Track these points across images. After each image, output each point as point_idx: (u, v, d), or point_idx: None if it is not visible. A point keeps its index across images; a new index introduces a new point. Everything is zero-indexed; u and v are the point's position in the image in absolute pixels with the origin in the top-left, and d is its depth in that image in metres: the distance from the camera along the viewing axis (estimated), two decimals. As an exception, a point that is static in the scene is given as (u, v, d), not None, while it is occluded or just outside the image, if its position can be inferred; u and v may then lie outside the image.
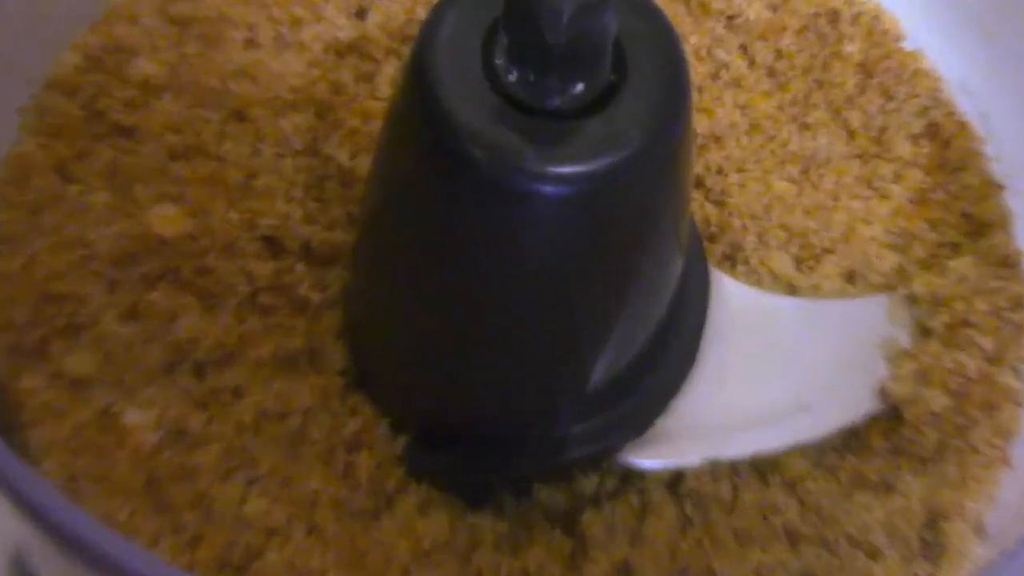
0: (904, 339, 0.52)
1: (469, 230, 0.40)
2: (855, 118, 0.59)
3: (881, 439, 0.50)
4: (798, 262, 0.54)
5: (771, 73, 0.60)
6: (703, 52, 0.59)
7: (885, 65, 0.60)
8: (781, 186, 0.56)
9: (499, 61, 0.39)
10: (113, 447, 0.46)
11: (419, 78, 0.40)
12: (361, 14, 0.58)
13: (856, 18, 0.61)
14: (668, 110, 0.40)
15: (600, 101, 0.39)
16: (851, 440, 0.50)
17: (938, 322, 0.52)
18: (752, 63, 0.60)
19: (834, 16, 0.61)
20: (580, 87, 0.39)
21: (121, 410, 0.47)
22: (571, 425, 0.47)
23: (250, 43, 0.55)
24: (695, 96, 0.55)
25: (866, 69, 0.61)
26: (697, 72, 0.59)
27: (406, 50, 0.54)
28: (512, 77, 0.39)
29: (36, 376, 0.47)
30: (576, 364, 0.45)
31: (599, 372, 0.45)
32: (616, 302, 0.43)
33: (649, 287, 0.44)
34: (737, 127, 0.57)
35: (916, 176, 0.57)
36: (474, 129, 0.38)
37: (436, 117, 0.39)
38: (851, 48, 0.60)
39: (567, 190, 0.38)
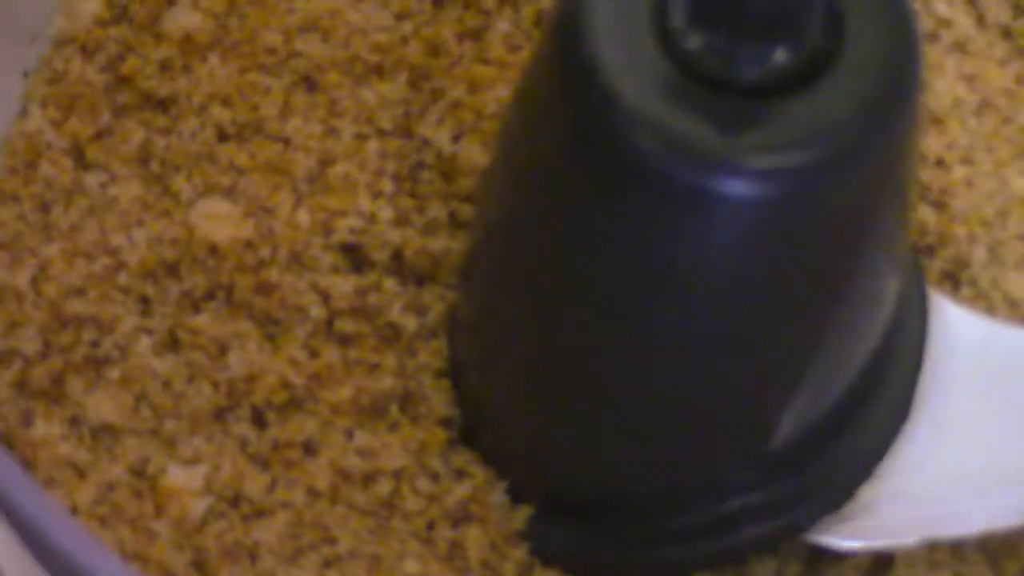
0: None
1: (628, 241, 0.41)
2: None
3: None
4: (1043, 284, 0.52)
5: (1006, 34, 0.59)
6: (915, 3, 0.59)
7: None
8: (1021, 184, 0.56)
9: (675, 22, 0.39)
10: (150, 515, 0.47)
11: (567, 40, 0.40)
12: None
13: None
14: (895, 89, 0.41)
15: (808, 74, 0.40)
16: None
17: None
18: (981, 21, 0.59)
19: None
20: (781, 55, 0.39)
21: (160, 468, 0.48)
22: (744, 495, 0.47)
23: (322, -12, 0.56)
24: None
25: None
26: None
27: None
28: (692, 41, 0.40)
29: (50, 423, 0.48)
30: (756, 417, 0.46)
31: (785, 427, 0.45)
32: (814, 337, 0.44)
33: (856, 318, 0.45)
34: (962, 105, 0.57)
35: None
36: (641, 108, 0.39)
37: (589, 92, 0.40)
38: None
39: (763, 189, 0.39)
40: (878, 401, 0.49)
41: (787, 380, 0.44)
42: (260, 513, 0.48)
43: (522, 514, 0.48)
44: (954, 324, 0.51)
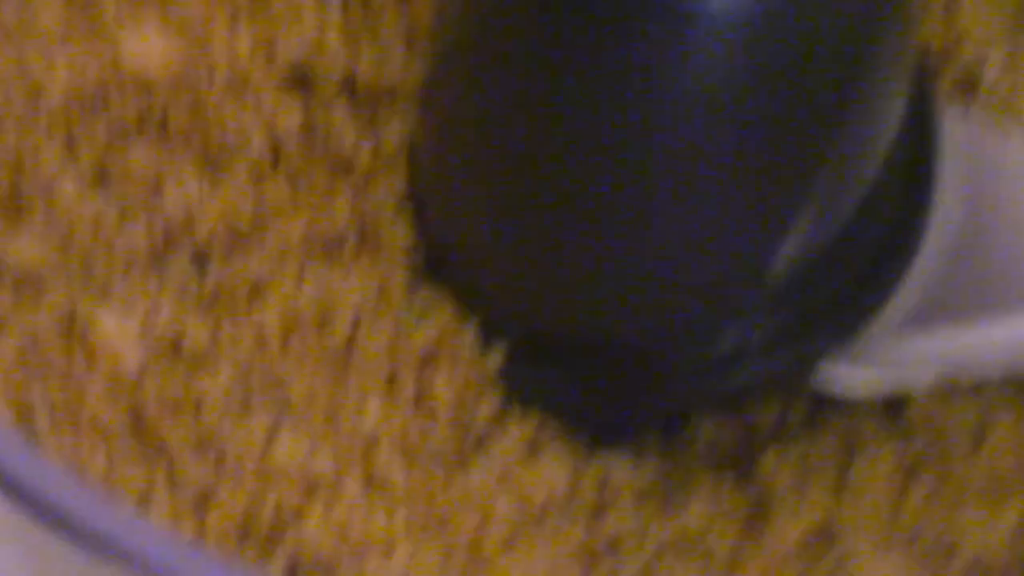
0: None
1: (610, 49, 0.39)
2: None
3: None
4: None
5: None
6: None
7: None
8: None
9: None
10: (81, 370, 0.45)
11: None
12: None
13: None
14: None
15: None
16: None
17: None
18: None
19: None
20: None
21: (91, 315, 0.45)
22: (744, 330, 0.45)
23: None
24: None
25: None
26: None
27: None
28: None
29: (-35, 271, 0.45)
30: (755, 240, 0.44)
31: (788, 250, 0.44)
32: (817, 146, 0.42)
33: (861, 130, 0.43)
34: None
35: None
36: None
37: None
38: None
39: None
40: (888, 223, 0.47)
41: (789, 197, 0.43)
42: (204, 363, 0.45)
43: (496, 355, 0.46)
44: (970, 139, 0.49)
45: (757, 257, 0.44)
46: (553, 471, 0.45)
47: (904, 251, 0.47)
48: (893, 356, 0.46)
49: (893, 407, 0.48)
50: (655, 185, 0.42)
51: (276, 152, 0.48)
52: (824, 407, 0.48)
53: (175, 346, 0.45)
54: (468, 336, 0.47)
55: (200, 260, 0.47)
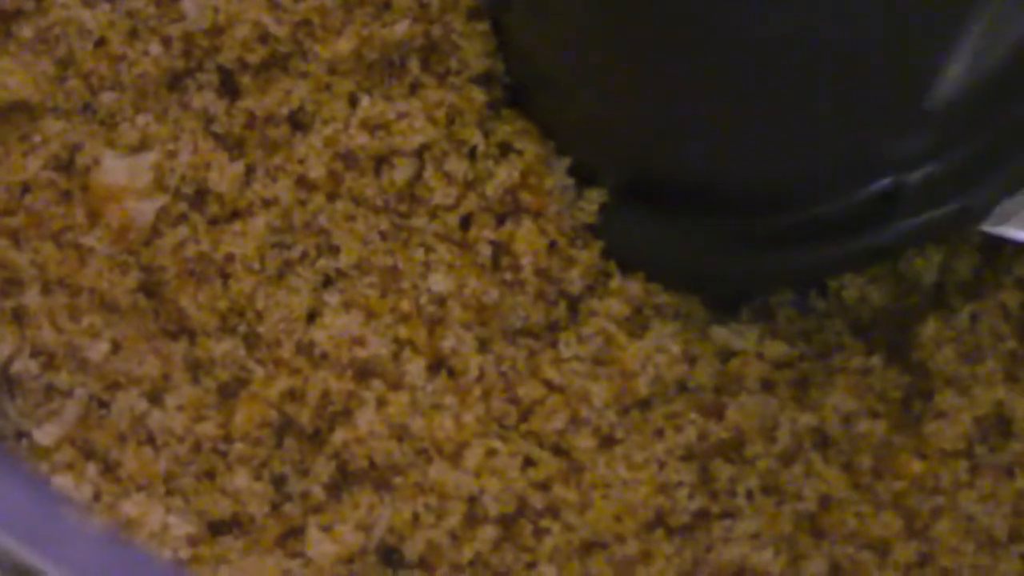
0: None
1: None
2: None
3: None
4: None
5: None
6: None
7: None
8: None
9: None
10: (82, 225, 0.42)
11: None
12: None
13: None
14: None
15: None
16: None
17: None
18: None
19: None
20: None
21: (94, 159, 0.42)
22: (900, 173, 0.42)
23: None
24: None
25: None
26: None
27: None
28: None
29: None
30: (915, 62, 0.40)
31: (952, 76, 0.40)
32: None
33: None
34: None
35: None
36: None
37: None
38: None
39: None
40: None
41: (953, 10, 0.39)
42: (234, 215, 0.42)
43: (593, 200, 0.43)
44: None
45: (918, 75, 0.40)
46: (661, 349, 0.42)
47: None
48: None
49: None
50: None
51: (321, -55, 0.45)
52: (997, 263, 0.44)
53: (198, 194, 0.43)
54: (558, 179, 0.43)
55: (228, 84, 0.43)
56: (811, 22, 0.39)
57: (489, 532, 0.39)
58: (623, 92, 0.42)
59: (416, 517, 0.39)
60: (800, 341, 0.43)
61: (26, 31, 0.42)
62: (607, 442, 0.40)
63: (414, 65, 0.43)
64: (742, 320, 0.44)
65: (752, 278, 0.44)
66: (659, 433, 0.40)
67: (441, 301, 0.41)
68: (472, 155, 0.43)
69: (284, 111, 0.42)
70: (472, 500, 0.39)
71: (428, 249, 0.41)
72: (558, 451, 0.40)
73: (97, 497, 0.38)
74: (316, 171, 0.42)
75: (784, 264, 0.43)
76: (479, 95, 0.43)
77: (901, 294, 0.44)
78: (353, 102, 0.42)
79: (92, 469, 0.39)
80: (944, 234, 0.43)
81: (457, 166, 0.42)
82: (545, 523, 0.39)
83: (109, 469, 0.39)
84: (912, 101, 0.41)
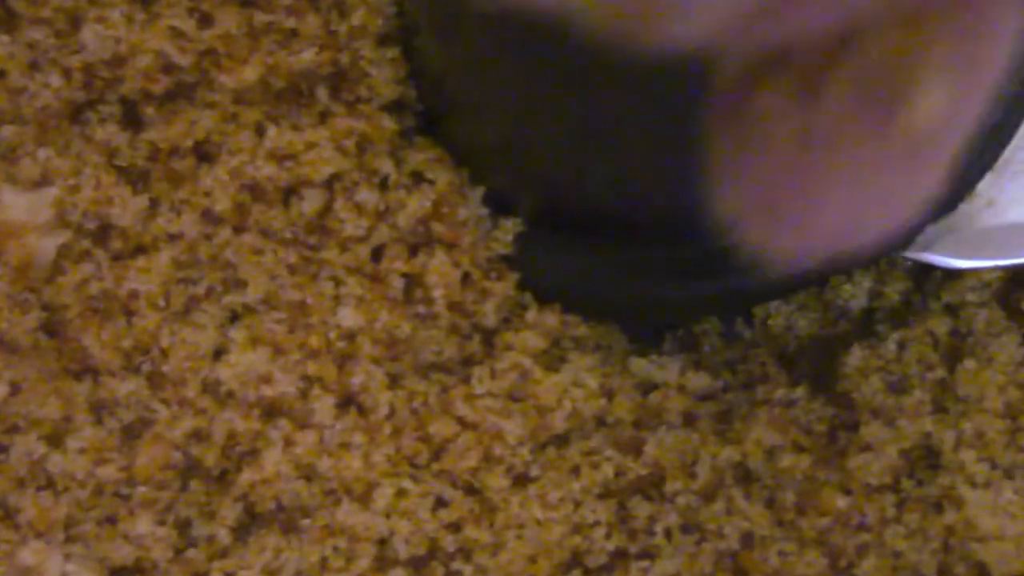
0: None
1: None
2: None
3: None
4: None
5: None
6: None
7: None
8: None
9: None
10: None
11: None
12: None
13: None
14: None
15: None
16: None
17: None
18: None
19: None
20: None
21: None
22: None
23: None
24: None
25: None
26: None
27: None
28: None
29: None
30: None
31: None
32: None
33: None
34: None
35: None
36: None
37: None
38: None
39: None
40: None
41: None
42: (138, 250, 0.41)
43: (508, 230, 0.42)
44: None
45: None
46: (578, 383, 0.41)
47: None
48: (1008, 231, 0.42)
49: (1010, 288, 0.43)
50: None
51: (226, -30, 0.44)
52: (926, 287, 0.43)
53: (101, 229, 0.42)
54: (472, 208, 0.42)
55: (132, 116, 0.42)
56: None
57: (399, 575, 0.39)
58: (526, 117, 0.41)
59: (324, 561, 0.38)
60: (725, 371, 0.43)
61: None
62: (521, 480, 0.39)
63: (323, 93, 0.42)
64: (665, 351, 0.43)
65: (673, 307, 0.43)
66: (575, 470, 0.39)
67: (351, 336, 0.40)
68: (383, 185, 0.42)
69: (189, 142, 0.42)
70: (382, 542, 0.39)
71: (338, 282, 0.41)
72: (471, 490, 0.39)
73: (-6, 545, 0.38)
74: (222, 204, 0.41)
75: (703, 293, 0.43)
76: (390, 123, 0.42)
77: (829, 322, 0.44)
78: (260, 132, 0.42)
79: (-11, 516, 0.38)
80: (867, 261, 0.42)
81: (368, 196, 0.41)
82: (457, 565, 0.39)
83: (7, 516, 0.38)
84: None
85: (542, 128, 0.41)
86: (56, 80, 0.42)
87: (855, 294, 0.43)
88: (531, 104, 0.41)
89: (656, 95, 0.40)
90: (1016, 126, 0.43)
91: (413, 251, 0.41)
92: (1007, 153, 0.42)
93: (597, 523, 0.39)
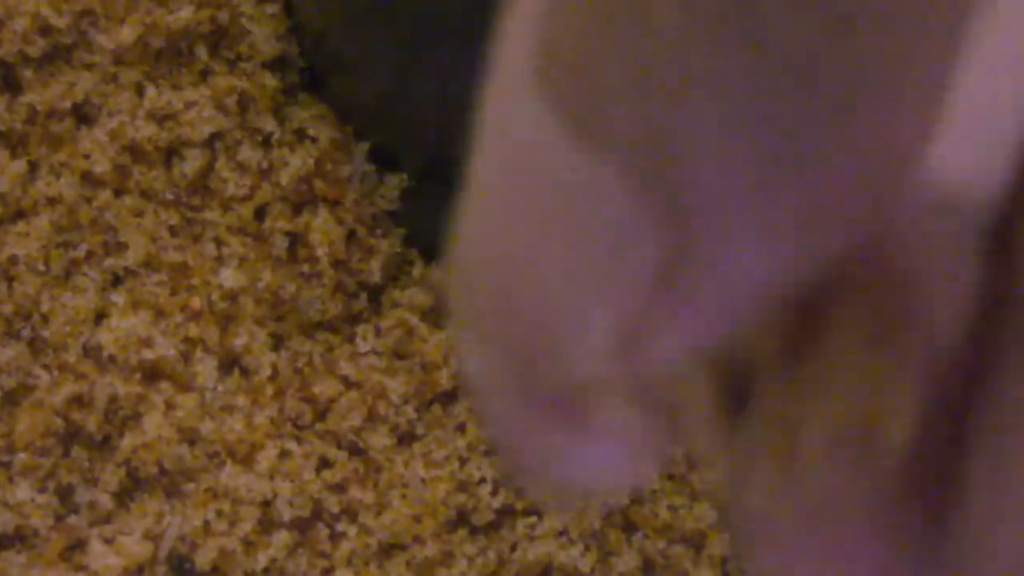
0: None
1: None
2: None
3: None
4: None
5: None
6: None
7: None
8: None
9: None
10: None
11: None
12: None
13: None
14: None
15: None
16: None
17: None
18: None
19: None
20: None
21: None
22: None
23: None
24: None
25: None
26: None
27: None
28: None
29: None
30: None
31: None
32: None
33: None
34: None
35: None
36: None
37: None
38: None
39: None
40: None
41: None
42: (17, 215, 0.40)
43: (393, 187, 0.41)
44: None
45: None
46: None
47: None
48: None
49: None
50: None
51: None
52: None
53: None
54: (357, 164, 0.41)
55: (9, 79, 0.41)
56: None
57: (283, 537, 0.38)
58: (410, 67, 0.40)
59: (207, 524, 0.37)
60: None
61: None
62: (406, 439, 0.39)
63: (202, 52, 0.41)
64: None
65: None
66: (460, 428, 0.39)
67: (233, 297, 0.39)
68: (266, 143, 0.41)
69: (68, 104, 0.40)
70: (266, 504, 0.38)
71: (220, 243, 0.40)
72: (355, 450, 0.38)
73: None
74: (102, 166, 0.40)
75: None
76: (272, 81, 0.41)
77: None
78: (140, 92, 0.41)
79: None
80: None
81: (250, 155, 0.40)
82: (341, 527, 0.38)
83: None
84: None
85: (423, 80, 0.40)
86: None
87: None
88: (411, 57, 0.40)
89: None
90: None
91: (297, 209, 0.40)
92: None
93: (483, 480, 0.38)
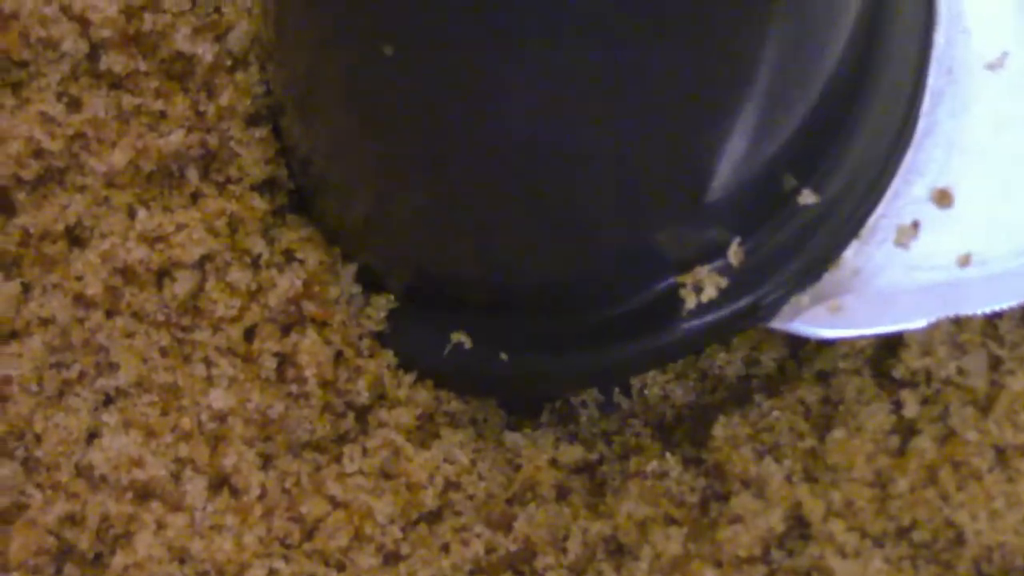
0: None
1: None
2: None
3: None
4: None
5: None
6: None
7: None
8: None
9: None
10: None
11: None
12: None
13: None
14: None
15: None
16: None
17: None
18: None
19: None
20: None
21: None
22: (680, 271, 0.41)
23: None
24: None
25: None
26: None
27: None
28: None
29: None
30: (683, 158, 0.40)
31: (725, 169, 0.40)
32: (746, 46, 0.38)
33: (802, 25, 0.39)
34: None
35: None
36: None
37: None
38: None
39: None
40: (857, 138, 0.42)
41: (719, 103, 0.39)
42: (10, 335, 0.41)
43: (380, 307, 0.42)
44: (973, 36, 0.44)
45: (688, 180, 0.40)
46: (450, 459, 0.41)
47: (882, 177, 0.41)
48: (878, 300, 0.41)
49: (881, 356, 0.42)
50: (567, 107, 0.38)
51: (94, 55, 0.43)
52: (801, 355, 0.43)
53: None
54: (344, 285, 0.42)
55: (3, 201, 0.42)
56: (557, 128, 0.38)
57: (272, 656, 0.39)
58: (394, 194, 0.41)
59: (196, 644, 0.39)
60: (600, 443, 0.42)
61: None
62: (391, 559, 0.39)
63: (193, 174, 0.42)
64: (541, 423, 0.42)
65: (550, 379, 0.42)
66: (445, 548, 0.39)
67: (223, 417, 0.40)
68: (256, 264, 0.41)
69: (60, 227, 0.41)
70: (254, 624, 0.39)
71: (210, 363, 0.40)
72: (342, 569, 0.39)
73: None
74: (94, 287, 0.40)
75: (574, 366, 0.42)
76: (261, 203, 0.42)
77: (705, 391, 0.43)
78: (131, 215, 0.41)
79: None
80: (734, 332, 0.42)
81: (240, 276, 0.41)
82: (328, 647, 0.39)
83: None
84: (684, 197, 0.40)
85: (405, 205, 0.41)
86: None
87: (730, 361, 0.42)
88: (393, 182, 0.41)
89: (518, 170, 0.40)
90: (881, 194, 0.41)
91: (285, 330, 0.41)
92: (872, 221, 0.41)
93: (466, 600, 0.39)
